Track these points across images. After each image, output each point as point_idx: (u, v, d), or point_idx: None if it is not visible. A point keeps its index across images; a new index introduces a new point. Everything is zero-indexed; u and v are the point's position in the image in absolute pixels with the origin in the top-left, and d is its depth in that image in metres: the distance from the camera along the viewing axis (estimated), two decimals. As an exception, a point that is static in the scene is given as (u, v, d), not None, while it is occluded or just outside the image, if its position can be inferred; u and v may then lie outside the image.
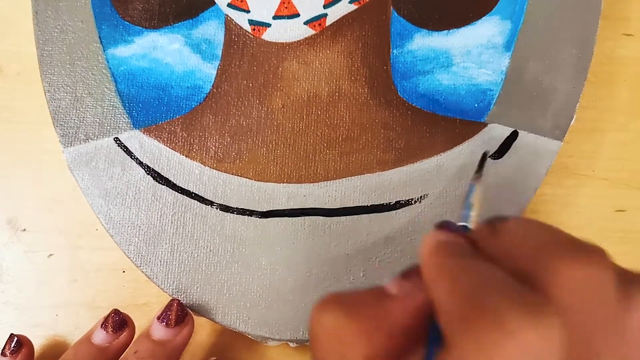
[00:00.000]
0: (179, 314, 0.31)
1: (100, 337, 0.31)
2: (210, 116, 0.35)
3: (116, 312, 0.32)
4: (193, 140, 0.35)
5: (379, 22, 0.36)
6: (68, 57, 0.36)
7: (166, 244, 0.33)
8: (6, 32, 0.40)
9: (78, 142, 0.35)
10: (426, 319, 0.19)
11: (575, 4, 0.35)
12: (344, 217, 0.33)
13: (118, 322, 0.31)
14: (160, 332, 0.30)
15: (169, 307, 0.31)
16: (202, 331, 0.34)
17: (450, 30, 0.35)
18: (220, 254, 0.33)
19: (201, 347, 0.33)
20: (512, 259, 0.18)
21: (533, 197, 0.33)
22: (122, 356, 0.30)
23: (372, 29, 0.36)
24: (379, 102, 0.35)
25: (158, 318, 0.31)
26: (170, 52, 0.36)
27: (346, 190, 0.34)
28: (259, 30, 0.36)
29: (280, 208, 0.34)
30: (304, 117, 0.35)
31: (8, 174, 0.38)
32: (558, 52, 0.34)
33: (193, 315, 0.33)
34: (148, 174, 0.34)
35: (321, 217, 0.33)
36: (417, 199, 0.33)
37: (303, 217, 0.33)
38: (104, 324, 0.31)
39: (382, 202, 0.33)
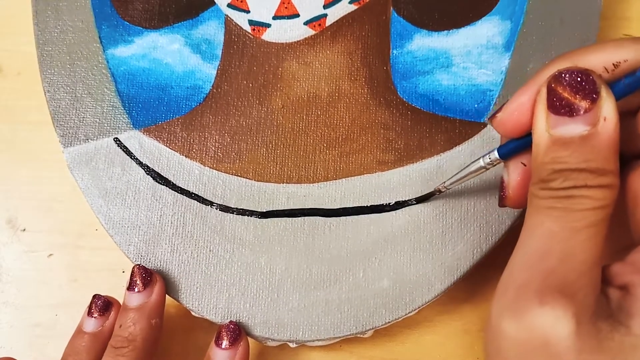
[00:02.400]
0: (143, 276, 0.32)
1: (91, 325, 0.32)
2: (210, 116, 0.35)
3: (97, 296, 0.32)
4: (193, 141, 0.35)
5: (379, 22, 0.36)
6: (68, 57, 0.36)
7: (166, 244, 0.33)
8: (6, 32, 0.40)
9: (78, 142, 0.35)
10: None
11: (575, 4, 0.35)
12: (344, 217, 0.33)
13: (102, 305, 0.32)
14: (133, 299, 0.32)
15: (132, 274, 0.32)
16: (201, 331, 0.34)
17: (450, 31, 0.35)
18: (220, 254, 0.33)
19: (200, 347, 0.33)
20: None
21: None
22: (112, 335, 0.31)
23: (372, 29, 0.36)
24: (379, 102, 0.35)
25: (127, 289, 0.32)
26: (170, 52, 0.36)
27: (346, 191, 0.34)
28: (258, 31, 0.36)
29: (279, 208, 0.34)
30: (304, 117, 0.35)
31: (8, 174, 0.38)
32: (558, 52, 0.34)
33: (192, 316, 0.33)
34: (148, 174, 0.34)
35: (321, 218, 0.33)
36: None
37: (303, 218, 0.33)
38: (89, 311, 0.32)
39: (382, 202, 0.33)
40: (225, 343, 0.31)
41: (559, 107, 0.22)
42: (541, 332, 0.21)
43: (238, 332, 0.31)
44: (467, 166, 0.29)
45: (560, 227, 0.22)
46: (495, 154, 0.26)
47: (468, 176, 0.29)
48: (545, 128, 0.22)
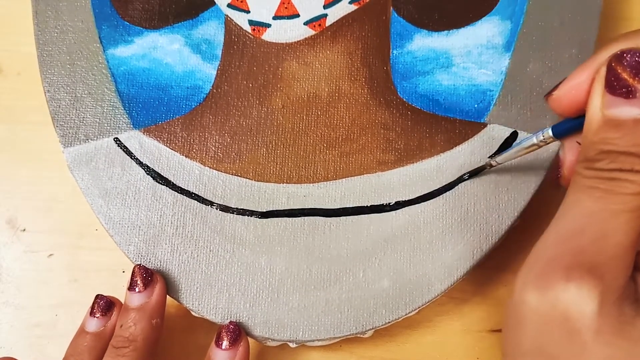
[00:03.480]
0: (144, 276, 0.32)
1: (93, 325, 0.32)
2: (210, 116, 0.35)
3: (100, 296, 0.32)
4: (193, 141, 0.35)
5: (379, 22, 0.36)
6: (68, 57, 0.36)
7: (166, 244, 0.33)
8: (6, 32, 0.40)
9: (78, 142, 0.35)
10: None
11: (575, 4, 0.35)
12: (344, 217, 0.33)
13: (104, 305, 0.32)
14: (134, 299, 0.32)
15: (133, 274, 0.32)
16: (201, 331, 0.34)
17: (450, 31, 0.35)
18: (220, 254, 0.33)
19: (200, 347, 0.33)
20: None
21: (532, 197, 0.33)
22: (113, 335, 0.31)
23: (372, 29, 0.36)
24: (379, 102, 0.35)
25: (128, 289, 0.32)
26: (170, 52, 0.36)
27: (346, 191, 0.34)
28: (258, 31, 0.36)
29: (280, 208, 0.34)
30: (304, 117, 0.35)
31: (8, 174, 0.38)
32: (558, 52, 0.34)
33: (192, 316, 0.33)
34: (148, 174, 0.34)
35: (321, 218, 0.33)
36: (417, 199, 0.33)
37: (303, 218, 0.33)
38: (92, 312, 0.32)
39: (382, 202, 0.33)
40: (225, 343, 0.31)
41: (616, 87, 0.21)
42: (564, 307, 0.21)
43: (238, 332, 0.31)
44: (520, 142, 0.29)
45: (599, 208, 0.22)
46: (549, 132, 0.26)
47: (520, 152, 0.29)
48: (600, 107, 0.22)
